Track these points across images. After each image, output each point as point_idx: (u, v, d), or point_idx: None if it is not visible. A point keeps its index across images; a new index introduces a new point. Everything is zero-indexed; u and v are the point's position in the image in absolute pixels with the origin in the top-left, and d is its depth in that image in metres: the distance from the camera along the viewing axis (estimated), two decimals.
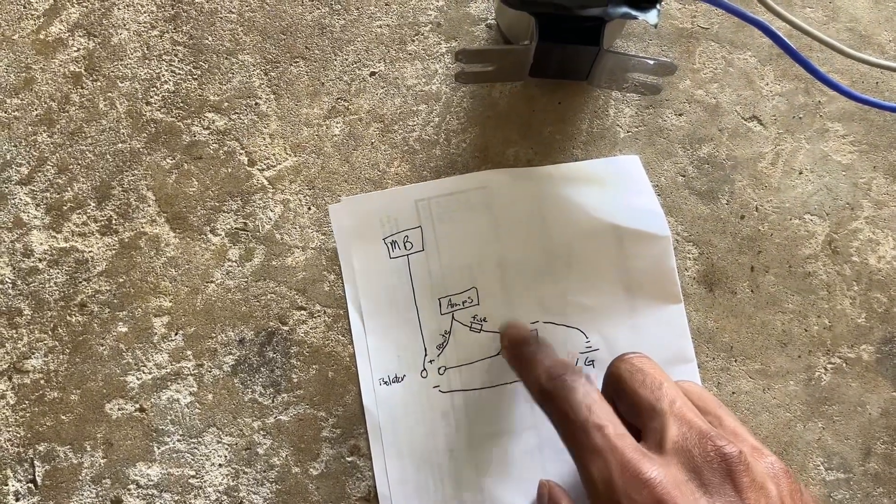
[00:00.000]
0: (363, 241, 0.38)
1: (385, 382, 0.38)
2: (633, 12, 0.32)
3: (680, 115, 0.41)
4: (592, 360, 0.38)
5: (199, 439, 0.38)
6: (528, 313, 0.38)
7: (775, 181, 0.40)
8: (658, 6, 0.32)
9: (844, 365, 0.39)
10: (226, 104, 0.40)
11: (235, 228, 0.39)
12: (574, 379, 0.30)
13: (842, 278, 0.39)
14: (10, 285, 0.38)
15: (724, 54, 0.41)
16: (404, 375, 0.38)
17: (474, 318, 0.38)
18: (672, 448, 0.28)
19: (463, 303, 0.38)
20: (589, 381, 0.30)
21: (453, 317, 0.38)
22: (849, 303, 0.39)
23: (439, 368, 0.38)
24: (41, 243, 0.39)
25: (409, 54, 0.41)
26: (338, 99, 0.40)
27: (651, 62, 0.36)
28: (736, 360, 0.39)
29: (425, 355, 0.38)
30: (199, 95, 0.40)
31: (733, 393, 0.38)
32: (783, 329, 0.39)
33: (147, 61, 0.41)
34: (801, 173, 0.40)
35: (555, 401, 0.30)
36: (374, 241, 0.39)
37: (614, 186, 0.39)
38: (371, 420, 0.37)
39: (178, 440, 0.38)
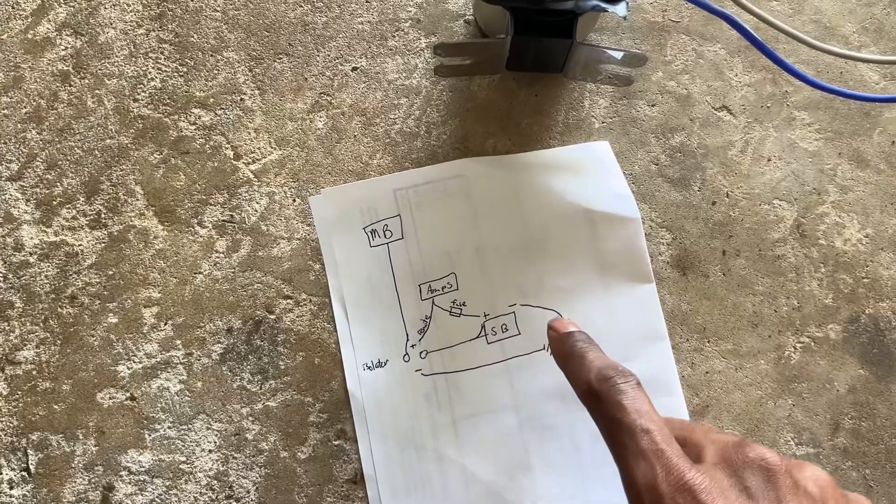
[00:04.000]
0: (344, 230, 0.40)
1: (369, 367, 0.39)
2: (603, 5, 0.34)
3: (653, 105, 0.42)
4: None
5: (190, 426, 0.39)
6: (506, 296, 0.39)
7: (745, 168, 0.41)
8: None
9: (813, 344, 0.40)
10: (211, 100, 0.41)
11: (222, 220, 0.40)
12: (624, 381, 0.30)
13: (809, 261, 0.41)
14: (2, 279, 0.39)
15: (694, 46, 0.43)
16: (387, 360, 0.39)
17: (454, 302, 0.39)
18: (712, 459, 0.28)
19: (442, 288, 0.39)
20: (639, 386, 0.30)
21: (433, 302, 0.39)
22: (816, 284, 0.40)
23: (421, 352, 0.39)
24: (31, 238, 0.40)
25: (390, 50, 0.42)
26: (321, 94, 0.42)
27: (622, 54, 0.37)
28: (709, 341, 0.40)
29: (407, 340, 0.39)
30: (186, 92, 0.41)
31: (707, 373, 0.40)
32: (754, 310, 0.40)
33: (134, 59, 0.42)
34: (769, 160, 0.42)
35: (603, 402, 0.29)
36: (354, 231, 0.40)
37: (586, 171, 0.40)
38: (356, 404, 0.38)
39: (169, 427, 0.39)
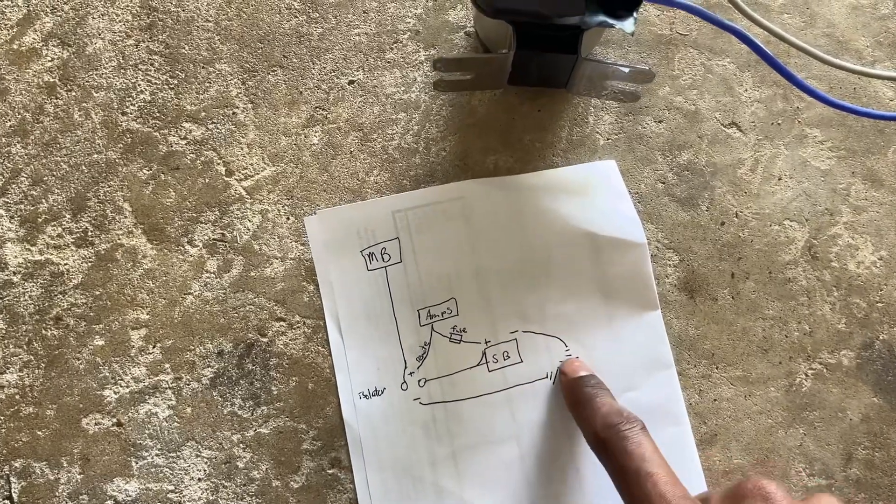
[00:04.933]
0: (340, 253, 0.38)
1: (365, 396, 0.37)
2: (610, 21, 0.32)
3: (659, 121, 0.41)
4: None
5: (178, 453, 0.37)
6: (507, 323, 0.38)
7: (755, 187, 0.40)
8: (634, 15, 0.32)
9: (825, 371, 0.39)
10: (203, 114, 0.40)
11: (213, 239, 0.39)
12: (629, 428, 0.30)
13: (821, 284, 0.39)
14: None
15: (702, 61, 0.41)
16: (384, 388, 0.37)
17: (454, 328, 0.38)
18: (717, 498, 0.29)
19: (442, 314, 0.38)
20: (643, 431, 0.30)
21: (433, 328, 0.38)
22: (829, 308, 0.39)
23: (419, 381, 0.37)
24: (15, 256, 0.38)
25: (388, 62, 0.41)
26: (316, 108, 0.40)
27: (629, 70, 0.36)
28: (717, 367, 0.39)
29: (405, 367, 0.37)
30: (176, 105, 0.40)
31: (715, 400, 0.38)
32: (764, 335, 0.39)
33: (122, 71, 0.40)
34: (780, 179, 0.40)
35: (609, 449, 0.30)
36: (351, 254, 0.38)
37: (591, 193, 0.39)
38: (351, 434, 0.37)
39: (157, 454, 0.37)
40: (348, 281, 0.38)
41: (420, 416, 0.37)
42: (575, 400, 0.35)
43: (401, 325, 0.38)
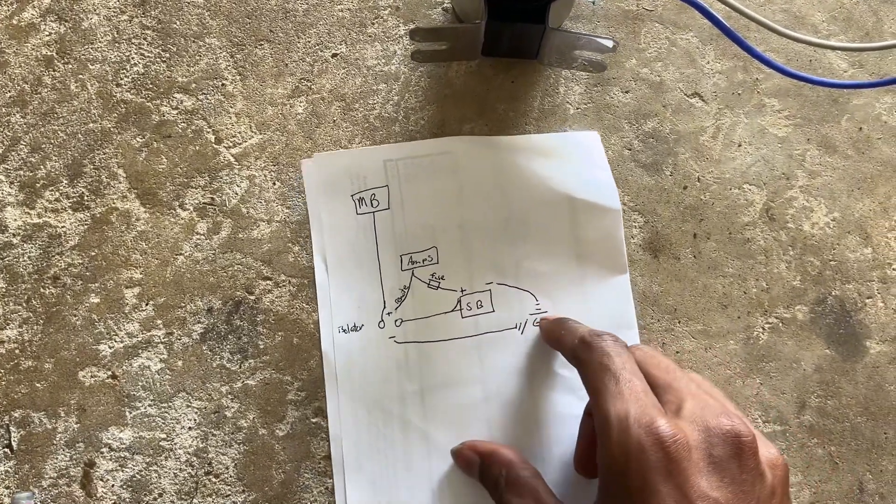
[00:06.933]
0: (332, 196, 0.40)
1: (344, 330, 0.39)
2: None
3: (626, 92, 0.43)
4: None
5: (170, 404, 0.39)
6: (483, 274, 0.40)
7: (716, 153, 0.42)
8: None
9: (780, 324, 0.41)
10: (193, 85, 0.42)
11: (203, 203, 0.41)
12: (614, 340, 0.32)
13: (778, 244, 0.42)
14: None
15: (667, 34, 0.43)
16: (363, 325, 0.40)
17: (433, 275, 0.40)
18: (689, 415, 0.29)
19: (423, 260, 0.40)
20: (627, 347, 0.32)
21: (413, 273, 0.40)
22: (784, 266, 0.41)
23: (396, 321, 0.40)
24: (15, 219, 0.40)
25: (370, 36, 0.43)
26: (301, 79, 0.42)
27: (594, 39, 0.38)
28: (679, 322, 0.41)
29: (384, 307, 0.40)
30: (168, 77, 0.42)
31: (677, 352, 0.41)
32: (724, 292, 0.41)
33: (117, 44, 0.42)
34: (740, 146, 0.43)
35: (593, 351, 0.32)
36: (342, 197, 0.40)
37: (573, 160, 0.41)
38: (328, 366, 0.39)
39: (150, 405, 0.39)
40: (338, 222, 0.40)
41: (394, 353, 0.39)
42: (557, 332, 0.36)
43: (383, 267, 0.40)
